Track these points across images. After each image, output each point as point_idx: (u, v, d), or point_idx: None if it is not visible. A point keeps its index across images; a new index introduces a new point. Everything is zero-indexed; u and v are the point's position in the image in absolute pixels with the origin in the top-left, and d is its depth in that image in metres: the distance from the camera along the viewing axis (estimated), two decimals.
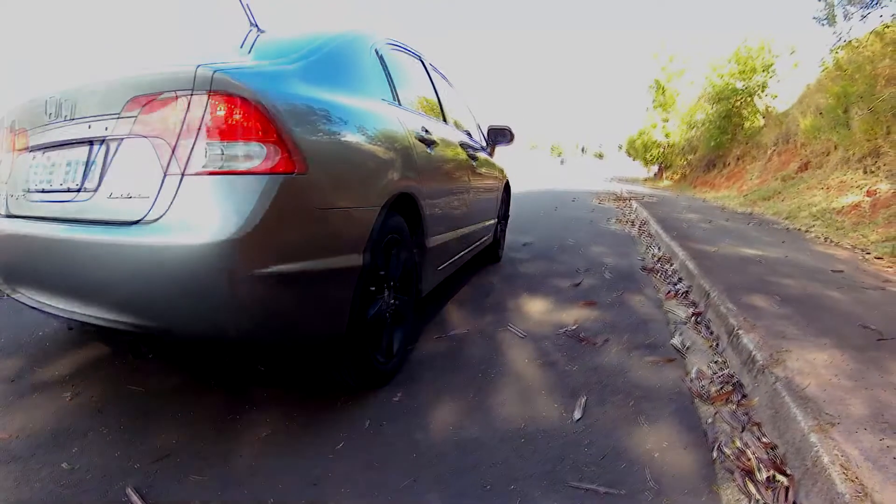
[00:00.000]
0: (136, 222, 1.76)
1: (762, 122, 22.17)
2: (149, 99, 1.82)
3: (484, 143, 4.98)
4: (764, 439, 2.21)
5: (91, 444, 1.96)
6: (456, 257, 3.86)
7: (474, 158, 4.26)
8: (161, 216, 1.73)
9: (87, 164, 1.96)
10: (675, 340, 3.36)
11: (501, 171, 5.51)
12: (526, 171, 32.83)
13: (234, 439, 2.04)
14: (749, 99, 22.91)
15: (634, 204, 13.02)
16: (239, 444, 2.00)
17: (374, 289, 2.40)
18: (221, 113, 1.74)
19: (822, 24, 12.87)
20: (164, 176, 1.76)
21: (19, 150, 2.37)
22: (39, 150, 2.24)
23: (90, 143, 1.97)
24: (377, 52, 3.03)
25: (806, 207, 10.66)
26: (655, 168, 41.53)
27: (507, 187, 5.86)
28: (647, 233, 8.44)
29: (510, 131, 5.14)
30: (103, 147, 1.92)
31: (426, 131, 3.15)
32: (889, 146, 10.05)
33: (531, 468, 1.94)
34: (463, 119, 4.60)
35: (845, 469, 1.74)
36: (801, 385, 2.37)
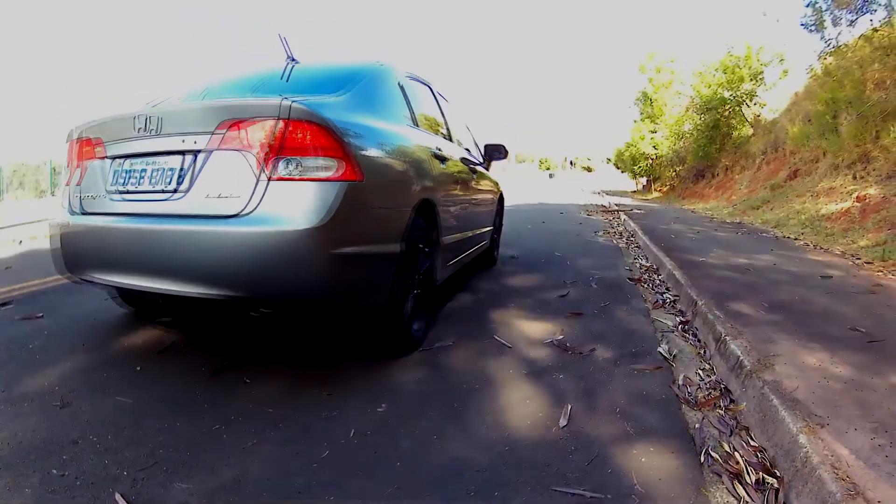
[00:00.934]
0: (235, 216, 2.35)
1: (751, 131, 22.47)
2: (240, 122, 2.40)
3: (481, 159, 5.58)
4: (752, 443, 2.21)
5: (80, 451, 2.03)
6: (461, 256, 4.47)
7: (474, 172, 4.93)
8: (253, 210, 2.33)
9: (180, 170, 2.51)
10: (662, 348, 3.36)
11: (496, 184, 6.14)
12: (514, 185, 32.89)
13: (219, 448, 2.08)
14: (737, 108, 23.19)
15: (622, 216, 13.11)
16: (224, 454, 2.05)
17: (405, 274, 3.01)
18: (302, 135, 2.37)
19: (811, 31, 13.08)
20: (257, 181, 2.35)
21: (92, 158, 2.89)
22: (119, 159, 2.76)
23: (182, 153, 2.51)
24: (399, 84, 3.75)
25: (795, 215, 10.79)
26: (644, 180, 41.84)
27: (501, 199, 6.45)
28: (635, 244, 8.50)
29: (504, 148, 5.74)
30: (195, 157, 2.48)
31: (439, 150, 3.83)
32: (878, 151, 10.23)
33: (516, 474, 1.96)
34: (463, 137, 5.23)
35: (836, 468, 1.74)
36: (789, 388, 2.37)
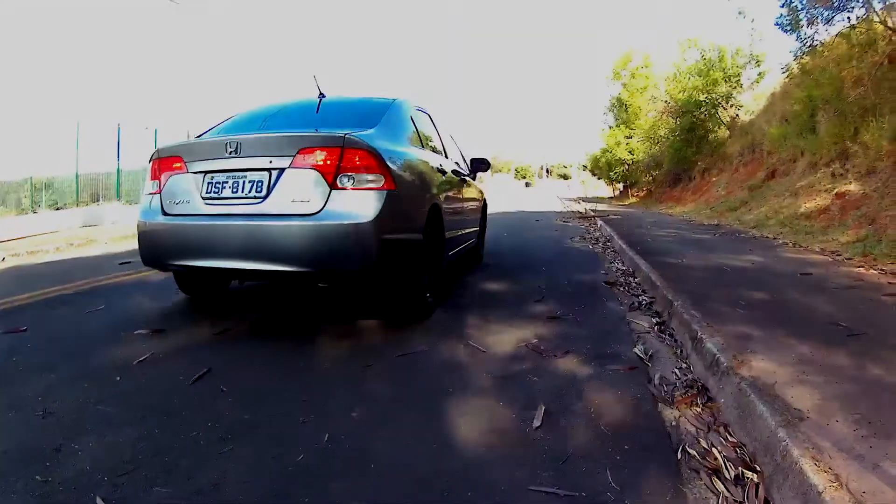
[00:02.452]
0: (311, 214, 3.37)
1: (727, 133, 22.78)
2: (312, 149, 3.46)
3: (468, 170, 6.58)
4: (731, 438, 2.20)
5: (62, 458, 2.12)
6: (458, 248, 5.59)
7: (464, 182, 6.12)
8: (323, 210, 3.37)
9: (268, 183, 3.50)
10: (638, 349, 3.35)
11: (481, 192, 7.43)
12: (491, 195, 32.88)
13: (197, 454, 2.16)
14: (713, 111, 23.48)
15: (599, 222, 13.20)
16: (202, 459, 2.12)
17: (423, 258, 4.00)
18: (356, 158, 3.45)
19: (786, 31, 13.27)
20: (329, 190, 3.39)
21: (175, 173, 3.83)
22: (201, 173, 3.72)
23: (269, 170, 3.52)
24: (411, 116, 4.89)
25: (774, 215, 10.96)
26: (621, 186, 42.25)
27: (485, 204, 7.73)
28: (612, 249, 8.54)
29: (487, 161, 6.89)
30: (280, 173, 3.49)
31: (440, 166, 5.02)
32: (857, 147, 10.43)
33: (489, 475, 2.00)
34: (452, 151, 6.24)
35: (817, 460, 1.71)
36: (767, 383, 2.35)
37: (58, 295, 5.22)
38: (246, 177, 3.57)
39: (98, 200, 16.12)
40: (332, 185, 3.39)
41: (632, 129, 34.04)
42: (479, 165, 6.72)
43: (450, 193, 5.19)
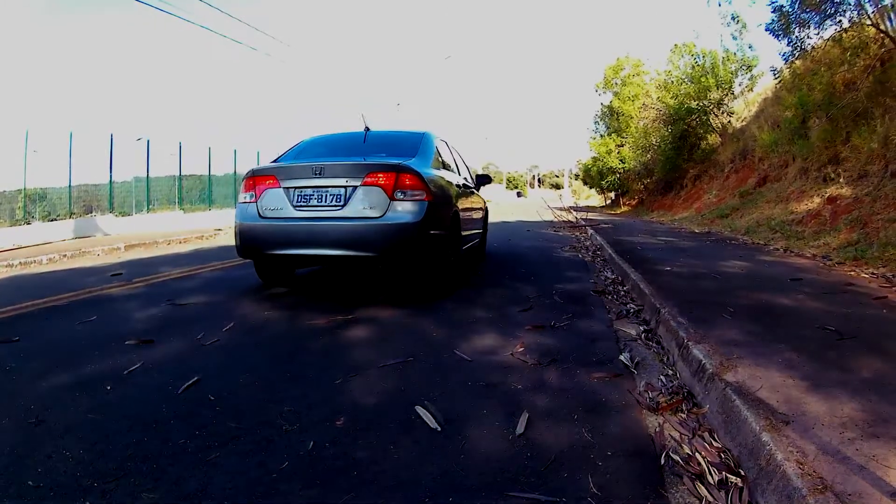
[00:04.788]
0: (376, 217, 4.80)
1: (719, 139, 22.89)
2: (377, 173, 4.88)
3: (474, 184, 8.18)
4: (715, 444, 2.19)
5: (54, 464, 2.18)
6: (468, 244, 7.04)
7: (472, 193, 7.67)
8: (385, 215, 4.81)
9: (343, 195, 4.92)
10: (624, 357, 3.34)
11: (484, 201, 9.07)
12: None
13: (184, 461, 2.21)
14: (704, 118, 23.58)
15: (589, 230, 13.24)
16: (189, 466, 2.16)
17: (448, 247, 5.53)
18: (407, 179, 4.91)
19: (777, 36, 13.36)
20: (389, 201, 4.82)
21: (269, 187, 5.21)
22: (293, 189, 5.10)
23: (345, 187, 4.92)
24: (436, 145, 6.43)
25: (765, 221, 11.02)
26: (613, 194, 42.40)
27: (486, 211, 9.35)
28: (601, 257, 8.57)
29: (490, 177, 9.01)
30: (354, 189, 4.90)
31: (458, 182, 6.62)
32: (849, 151, 10.52)
33: (470, 481, 2.03)
34: (463, 171, 7.89)
35: (801, 464, 1.70)
36: (752, 388, 2.34)
37: (50, 305, 5.24)
38: (328, 191, 5.00)
39: (91, 212, 16.03)
40: (391, 198, 4.87)
41: (623, 137, 34.17)
42: (483, 180, 8.65)
43: (463, 202, 6.62)
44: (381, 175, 4.91)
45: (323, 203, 5.00)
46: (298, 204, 5.08)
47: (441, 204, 5.34)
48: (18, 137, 13.70)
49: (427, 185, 5.03)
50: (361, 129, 6.72)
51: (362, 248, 4.85)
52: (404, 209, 4.86)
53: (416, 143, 6.04)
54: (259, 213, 5.21)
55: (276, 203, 5.15)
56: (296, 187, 5.10)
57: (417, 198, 4.92)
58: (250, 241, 5.33)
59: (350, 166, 5.04)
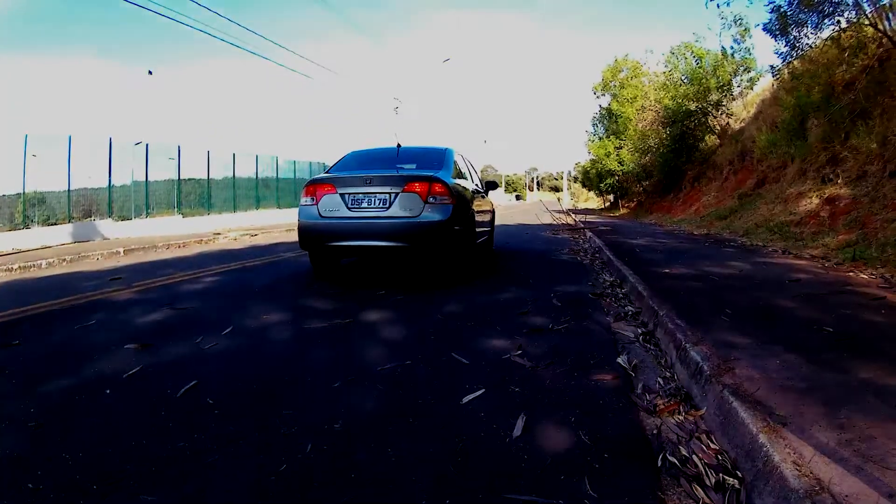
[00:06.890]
0: (414, 217, 6.09)
1: (717, 141, 22.91)
2: (414, 182, 6.19)
3: (483, 188, 9.23)
4: (713, 445, 2.19)
5: (53, 467, 2.20)
6: (480, 239, 8.11)
7: (483, 197, 8.96)
8: (420, 215, 6.09)
9: (388, 200, 6.18)
10: (622, 359, 3.34)
11: (492, 203, 10.31)
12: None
13: (183, 464, 2.23)
14: (703, 119, 23.61)
15: (588, 233, 13.22)
16: (187, 469, 2.18)
17: (466, 239, 6.82)
18: (437, 188, 6.21)
19: (775, 36, 13.37)
20: (423, 204, 6.12)
21: (327, 193, 6.38)
22: (347, 195, 6.30)
23: (389, 194, 6.19)
24: (455, 159, 7.71)
25: (764, 223, 11.03)
26: (612, 197, 42.40)
27: (494, 212, 10.71)
28: (600, 260, 8.56)
29: (496, 183, 10.19)
30: (396, 196, 6.16)
31: (470, 188, 7.65)
32: (847, 152, 10.51)
33: (467, 483, 2.04)
34: (475, 177, 9.17)
35: (798, 466, 1.71)
36: (749, 390, 2.35)
37: (50, 310, 5.28)
38: (376, 196, 6.21)
39: (90, 216, 16.08)
40: (425, 202, 6.08)
41: (621, 139, 34.14)
42: (491, 186, 9.72)
43: (476, 204, 7.70)
44: (418, 184, 6.13)
45: (372, 206, 6.21)
46: (352, 206, 6.29)
47: (461, 206, 6.52)
48: (18, 141, 13.73)
49: (451, 191, 6.27)
50: (393, 145, 8.18)
51: (402, 240, 6.10)
52: (435, 210, 6.08)
53: (440, 157, 7.39)
54: (319, 213, 6.42)
55: (334, 206, 6.35)
56: (350, 193, 6.31)
57: (444, 202, 6.15)
58: (310, 236, 6.58)
59: (393, 177, 6.30)
